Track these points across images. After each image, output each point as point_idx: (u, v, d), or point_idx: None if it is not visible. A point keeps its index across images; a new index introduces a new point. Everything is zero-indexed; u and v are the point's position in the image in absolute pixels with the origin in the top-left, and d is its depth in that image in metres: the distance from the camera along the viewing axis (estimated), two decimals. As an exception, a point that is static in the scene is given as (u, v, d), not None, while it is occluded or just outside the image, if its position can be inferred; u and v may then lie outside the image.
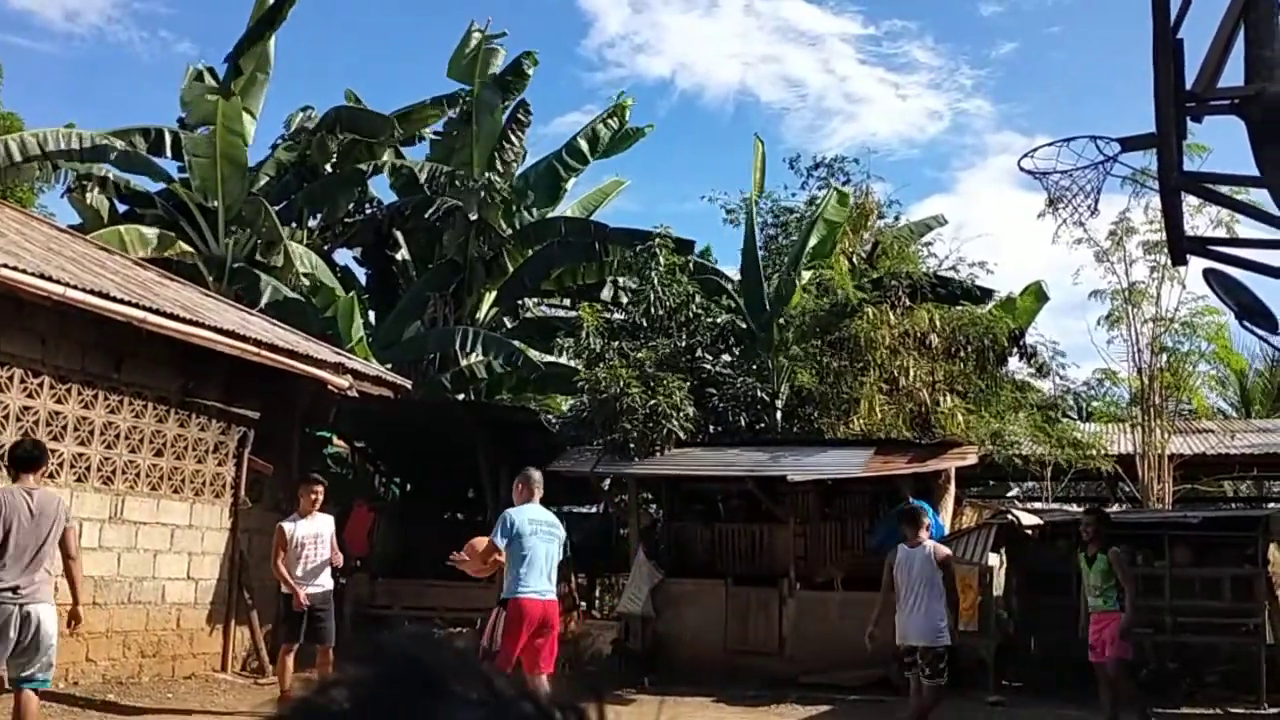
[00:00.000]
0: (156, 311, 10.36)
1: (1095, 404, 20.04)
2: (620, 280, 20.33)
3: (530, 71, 22.20)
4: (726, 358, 17.74)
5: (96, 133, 20.17)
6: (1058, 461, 15.87)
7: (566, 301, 23.02)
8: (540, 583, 7.84)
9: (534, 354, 22.76)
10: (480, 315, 21.69)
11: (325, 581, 9.63)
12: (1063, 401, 18.16)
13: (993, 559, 12.08)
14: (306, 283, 20.06)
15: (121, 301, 10.03)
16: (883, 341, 15.94)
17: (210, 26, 51.77)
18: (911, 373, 15.85)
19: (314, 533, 9.59)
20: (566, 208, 22.96)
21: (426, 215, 21.28)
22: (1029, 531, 12.84)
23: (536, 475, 8.25)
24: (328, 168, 22.43)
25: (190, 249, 20.07)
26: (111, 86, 57.86)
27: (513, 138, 21.88)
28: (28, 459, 7.01)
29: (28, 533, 6.60)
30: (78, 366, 10.20)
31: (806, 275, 17.62)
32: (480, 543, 8.21)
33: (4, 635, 6.51)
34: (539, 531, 7.88)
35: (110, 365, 10.50)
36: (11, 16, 53.11)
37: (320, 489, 9.86)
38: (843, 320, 16.55)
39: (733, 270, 20.34)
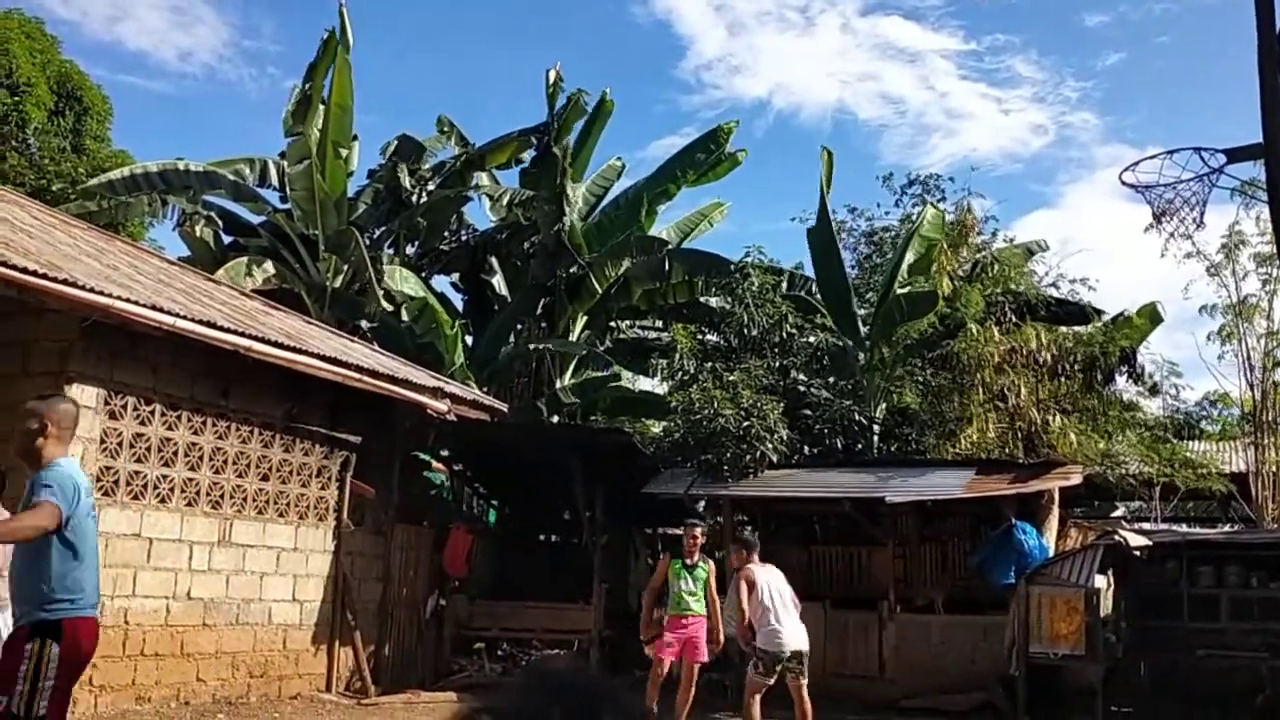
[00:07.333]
0: (262, 340, 10.63)
1: (1205, 425, 19.40)
2: (714, 301, 20.27)
3: (587, 105, 22.24)
4: (819, 379, 17.49)
5: (206, 163, 20.93)
6: (1168, 481, 15.40)
7: (659, 323, 23.05)
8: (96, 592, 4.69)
9: (626, 375, 22.90)
10: (573, 338, 21.82)
11: None
12: (1173, 421, 17.55)
13: (1100, 581, 11.72)
14: (405, 312, 20.39)
15: (229, 331, 10.31)
16: (991, 359, 15.59)
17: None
18: (1022, 391, 15.48)
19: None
20: (660, 230, 22.97)
21: (513, 241, 21.67)
22: (1137, 553, 12.47)
23: None
24: (421, 194, 22.84)
25: (294, 277, 20.61)
26: (220, 123, 59.90)
27: (571, 168, 22.04)
28: None
29: None
30: (187, 394, 10.50)
31: (902, 292, 17.33)
32: None
33: None
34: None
35: (218, 393, 10.80)
36: (126, 57, 55.39)
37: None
38: (947, 338, 16.26)
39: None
